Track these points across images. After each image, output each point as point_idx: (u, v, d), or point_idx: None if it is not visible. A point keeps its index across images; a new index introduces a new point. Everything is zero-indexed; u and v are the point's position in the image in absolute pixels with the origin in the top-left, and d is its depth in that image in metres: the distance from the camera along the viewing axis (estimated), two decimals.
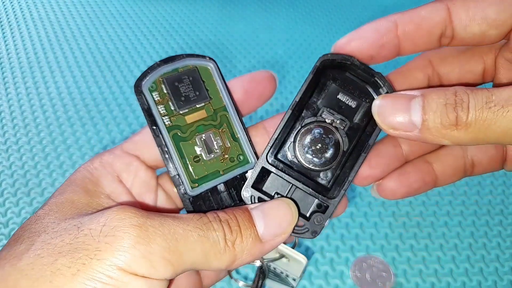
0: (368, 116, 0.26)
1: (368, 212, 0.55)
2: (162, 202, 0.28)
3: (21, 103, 0.68)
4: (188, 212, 0.26)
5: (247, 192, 0.26)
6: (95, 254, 0.18)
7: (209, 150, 0.27)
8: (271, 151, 0.27)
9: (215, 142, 0.27)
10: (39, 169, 0.58)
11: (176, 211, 0.29)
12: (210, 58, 0.27)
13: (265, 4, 1.00)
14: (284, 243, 0.27)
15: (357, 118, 0.27)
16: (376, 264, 0.49)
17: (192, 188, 0.26)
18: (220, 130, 0.27)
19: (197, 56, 0.27)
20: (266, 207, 0.24)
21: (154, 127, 0.26)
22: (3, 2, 0.93)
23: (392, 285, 0.47)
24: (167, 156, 0.26)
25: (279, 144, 0.27)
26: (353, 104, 0.27)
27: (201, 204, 0.27)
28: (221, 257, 0.21)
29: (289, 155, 0.27)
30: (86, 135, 0.63)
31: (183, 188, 0.26)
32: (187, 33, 0.88)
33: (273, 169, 0.26)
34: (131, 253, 0.19)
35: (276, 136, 0.26)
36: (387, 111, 0.23)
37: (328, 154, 0.26)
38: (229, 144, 0.28)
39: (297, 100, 0.26)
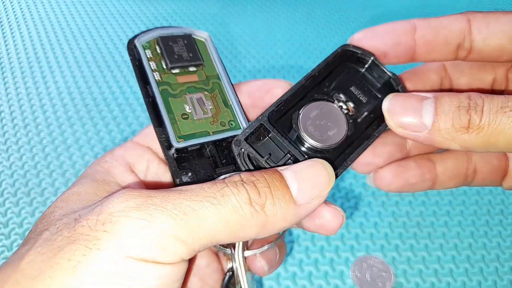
0: (376, 114, 0.26)
1: (368, 212, 0.55)
2: None
3: (21, 103, 0.68)
4: (172, 173, 0.24)
5: (238, 144, 0.24)
6: (94, 244, 0.17)
7: (199, 110, 0.25)
8: (273, 113, 0.25)
9: (206, 104, 0.26)
10: (39, 169, 0.58)
11: None
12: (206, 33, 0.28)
13: (265, 4, 0.99)
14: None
15: (364, 112, 0.26)
16: (376, 264, 0.49)
17: (178, 142, 0.24)
18: (211, 95, 0.26)
19: (194, 30, 0.28)
20: (298, 167, 0.21)
21: (143, 80, 0.25)
22: (3, 2, 0.93)
23: (392, 285, 0.47)
24: (153, 108, 0.24)
25: (283, 110, 0.25)
26: (363, 99, 0.26)
27: (185, 166, 0.24)
28: (246, 223, 0.19)
29: (292, 124, 0.25)
30: (86, 135, 0.63)
31: (167, 140, 0.24)
32: None
33: (272, 129, 0.24)
34: (134, 238, 0.17)
35: (283, 99, 0.25)
36: (398, 109, 0.22)
37: (331, 132, 0.25)
38: (220, 109, 0.26)
39: (313, 75, 0.25)
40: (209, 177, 0.25)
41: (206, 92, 0.26)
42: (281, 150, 0.24)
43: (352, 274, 0.48)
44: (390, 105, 0.23)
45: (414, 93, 0.23)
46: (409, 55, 0.25)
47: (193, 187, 0.19)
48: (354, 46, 0.25)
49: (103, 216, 0.18)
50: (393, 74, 0.26)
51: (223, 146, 0.26)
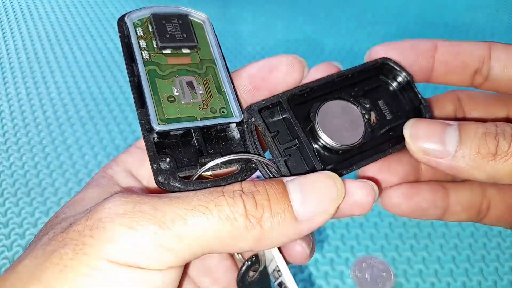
0: (396, 133, 0.25)
1: (368, 213, 0.55)
2: None
3: (21, 103, 0.68)
4: (150, 158, 0.22)
5: (250, 112, 0.22)
6: (81, 248, 0.17)
7: (188, 94, 0.23)
8: (294, 97, 0.23)
9: (196, 88, 0.23)
10: (39, 169, 0.58)
11: None
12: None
13: (265, 4, 0.99)
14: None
15: (385, 128, 0.25)
16: (376, 264, 0.49)
17: (159, 124, 0.21)
18: (204, 79, 0.24)
19: (192, 10, 0.26)
20: (305, 179, 0.20)
21: (129, 58, 0.23)
22: (3, 2, 0.93)
23: (392, 285, 0.47)
24: (137, 88, 0.22)
25: (305, 99, 0.24)
26: (388, 115, 0.25)
27: (166, 153, 0.22)
28: (240, 236, 0.18)
29: (310, 114, 0.24)
30: (86, 135, 0.63)
31: (148, 122, 0.21)
32: None
33: (289, 110, 0.23)
34: (119, 244, 0.17)
35: (308, 86, 0.23)
36: (420, 134, 0.21)
37: (346, 134, 0.23)
38: (212, 95, 0.24)
39: (345, 74, 0.24)
40: (192, 166, 0.22)
41: (198, 76, 0.24)
42: (290, 134, 0.23)
43: (352, 274, 0.48)
44: (413, 130, 0.22)
45: (437, 120, 0.22)
46: (427, 74, 0.25)
47: (187, 194, 0.19)
48: (395, 62, 0.25)
49: (92, 222, 0.18)
50: (425, 100, 0.25)
51: (211, 135, 0.23)
